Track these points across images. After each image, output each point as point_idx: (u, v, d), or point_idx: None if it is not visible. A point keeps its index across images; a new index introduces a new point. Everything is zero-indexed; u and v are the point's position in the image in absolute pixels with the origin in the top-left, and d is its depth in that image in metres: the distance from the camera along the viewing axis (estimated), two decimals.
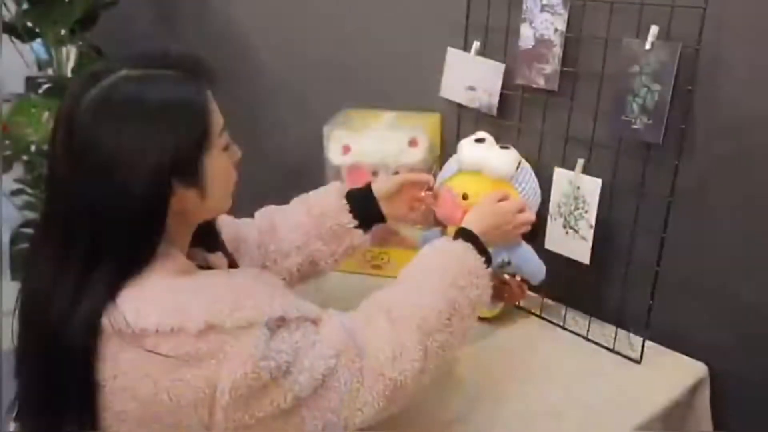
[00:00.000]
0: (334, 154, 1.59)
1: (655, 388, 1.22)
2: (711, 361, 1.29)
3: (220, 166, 0.92)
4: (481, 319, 1.40)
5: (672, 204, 1.22)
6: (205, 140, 0.88)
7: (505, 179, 1.33)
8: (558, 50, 1.31)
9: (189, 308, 0.82)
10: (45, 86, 2.14)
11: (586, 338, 1.36)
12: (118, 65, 0.87)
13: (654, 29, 1.16)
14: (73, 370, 0.83)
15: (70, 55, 2.25)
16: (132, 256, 0.86)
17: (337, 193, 1.25)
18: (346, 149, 1.57)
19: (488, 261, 1.07)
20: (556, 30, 1.31)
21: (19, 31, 2.18)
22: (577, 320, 1.40)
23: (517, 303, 1.44)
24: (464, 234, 1.09)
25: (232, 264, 1.10)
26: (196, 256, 1.02)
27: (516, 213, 1.22)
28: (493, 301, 1.38)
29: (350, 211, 1.23)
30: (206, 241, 1.04)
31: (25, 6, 2.14)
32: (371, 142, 1.55)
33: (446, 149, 1.59)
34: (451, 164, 1.42)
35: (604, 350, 1.33)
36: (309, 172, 1.92)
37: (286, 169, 2.09)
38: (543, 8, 1.31)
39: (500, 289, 1.36)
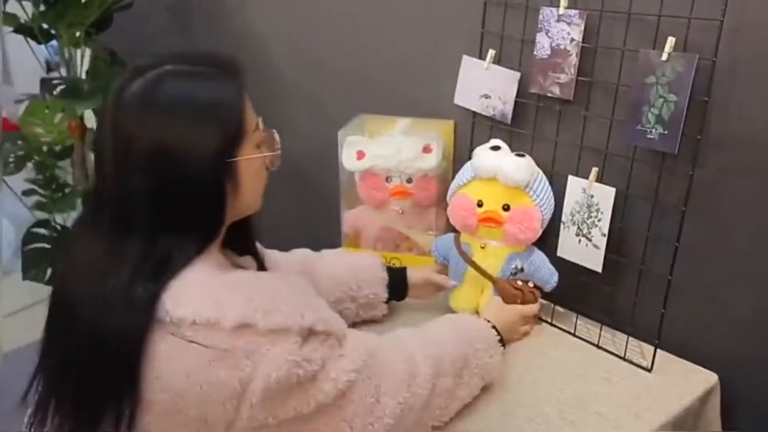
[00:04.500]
0: (347, 160, 1.59)
1: (665, 397, 1.23)
2: (722, 371, 1.29)
3: (253, 163, 0.95)
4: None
5: (686, 213, 1.23)
6: (240, 136, 0.92)
7: (519, 187, 1.35)
8: (574, 60, 1.32)
9: (225, 303, 0.84)
10: (59, 87, 2.15)
11: (597, 346, 1.36)
12: (161, 60, 0.90)
13: (671, 40, 1.17)
14: (119, 357, 0.83)
15: (84, 56, 2.27)
16: (192, 243, 0.89)
17: (381, 266, 1.40)
18: (360, 155, 1.58)
19: (502, 343, 1.19)
20: (572, 40, 1.32)
21: (34, 33, 2.20)
22: (588, 328, 1.41)
23: None
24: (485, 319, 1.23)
25: (261, 269, 1.12)
26: (227, 258, 1.03)
27: (524, 321, 1.37)
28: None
29: (387, 286, 1.38)
30: (238, 243, 1.06)
31: (41, 7, 2.16)
32: (385, 148, 1.56)
33: (459, 156, 1.60)
34: (465, 171, 1.43)
35: (615, 358, 1.33)
36: (322, 177, 1.93)
37: (299, 173, 2.10)
38: (559, 18, 1.32)
39: (513, 296, 1.37)
